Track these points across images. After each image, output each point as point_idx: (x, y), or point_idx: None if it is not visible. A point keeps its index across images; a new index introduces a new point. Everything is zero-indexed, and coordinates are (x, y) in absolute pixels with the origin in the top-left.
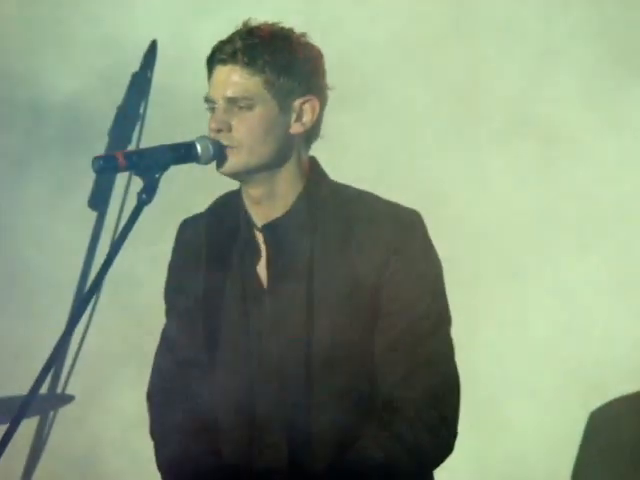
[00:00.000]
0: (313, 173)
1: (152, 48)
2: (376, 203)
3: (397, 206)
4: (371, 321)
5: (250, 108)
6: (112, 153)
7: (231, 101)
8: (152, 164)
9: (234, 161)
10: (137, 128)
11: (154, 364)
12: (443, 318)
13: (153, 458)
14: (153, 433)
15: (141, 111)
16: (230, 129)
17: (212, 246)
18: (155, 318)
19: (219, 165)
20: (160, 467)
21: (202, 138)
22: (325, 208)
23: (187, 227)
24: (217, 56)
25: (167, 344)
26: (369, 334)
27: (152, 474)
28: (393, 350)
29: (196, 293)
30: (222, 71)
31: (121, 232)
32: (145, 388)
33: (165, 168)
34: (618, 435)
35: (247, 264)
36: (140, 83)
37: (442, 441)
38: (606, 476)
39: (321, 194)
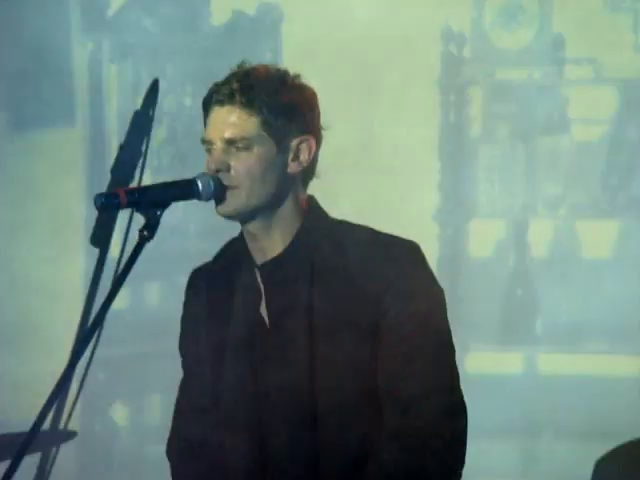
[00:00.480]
0: (311, 211)
1: (154, 87)
2: (372, 238)
3: (394, 238)
4: (372, 353)
5: (248, 148)
6: (114, 190)
7: (229, 142)
8: (154, 201)
9: (234, 202)
10: (139, 166)
11: (174, 414)
12: (445, 348)
13: None
14: (173, 476)
15: (143, 149)
16: (229, 169)
17: (216, 294)
18: (158, 354)
19: (218, 204)
20: None
21: (203, 175)
22: (322, 245)
23: (195, 277)
24: (214, 97)
25: (184, 395)
26: (371, 366)
27: None
28: (394, 380)
29: (204, 343)
30: (220, 112)
31: (123, 269)
32: (144, 423)
33: (167, 205)
34: None
35: (250, 306)
36: (142, 121)
37: (447, 467)
38: None
39: (318, 231)
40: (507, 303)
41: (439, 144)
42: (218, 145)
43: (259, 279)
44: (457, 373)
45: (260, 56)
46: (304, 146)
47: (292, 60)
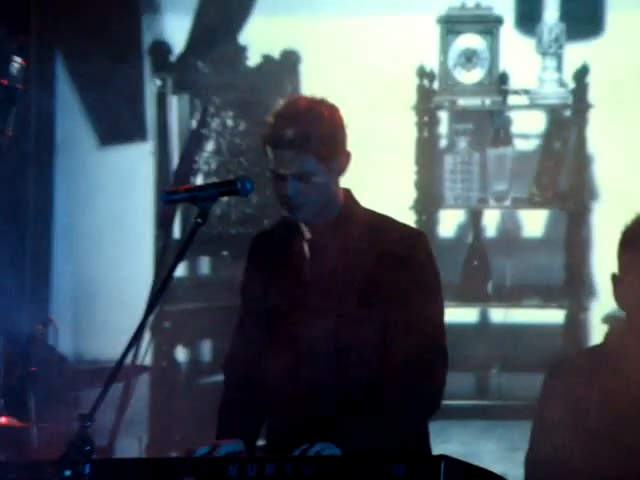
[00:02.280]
0: (347, 201)
1: (204, 112)
2: (391, 223)
3: (407, 226)
4: (387, 311)
5: (308, 180)
6: (176, 188)
7: (294, 176)
8: (204, 196)
9: (304, 213)
10: (194, 170)
11: (231, 341)
12: (442, 317)
13: None
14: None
15: (197, 158)
16: (299, 194)
17: (272, 253)
18: (209, 309)
19: (291, 213)
20: (220, 412)
21: (241, 177)
22: (355, 226)
23: (256, 239)
24: (277, 142)
25: (239, 326)
26: (382, 317)
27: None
28: (401, 333)
29: (259, 289)
30: (284, 154)
31: (182, 247)
32: (198, 360)
33: (214, 199)
34: None
35: (297, 266)
36: (196, 137)
37: (438, 387)
38: None
39: (352, 216)
40: (467, 270)
41: (415, 153)
42: (288, 178)
43: (306, 248)
44: (445, 335)
45: (283, 89)
46: (344, 158)
47: (306, 89)
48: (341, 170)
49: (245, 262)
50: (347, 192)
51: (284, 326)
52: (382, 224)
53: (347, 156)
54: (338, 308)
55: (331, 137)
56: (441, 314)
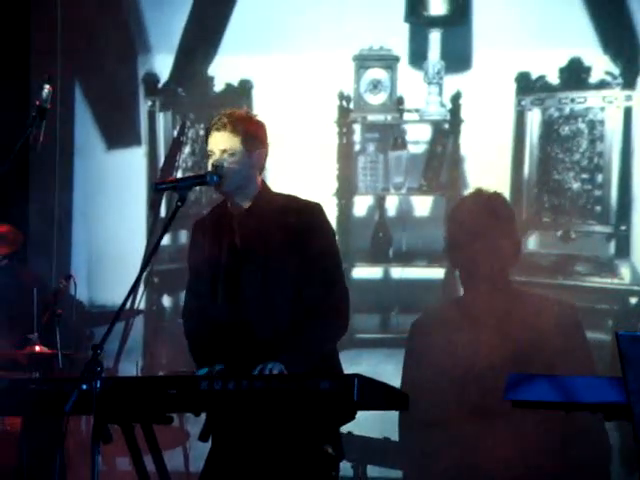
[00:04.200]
0: (263, 187)
1: (183, 125)
2: (296, 200)
3: (308, 200)
4: (298, 264)
5: (232, 156)
6: (162, 180)
7: (223, 151)
8: (183, 186)
9: (227, 184)
10: (175, 167)
11: (185, 297)
12: (339, 265)
13: None
14: (186, 332)
15: (177, 158)
16: (222, 167)
17: (210, 231)
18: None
19: (217, 188)
20: (187, 338)
21: (209, 172)
22: (269, 204)
23: (197, 222)
24: (214, 126)
25: (190, 286)
26: (298, 273)
27: None
28: (311, 282)
29: (203, 258)
30: (217, 135)
31: (167, 222)
32: (178, 306)
33: (190, 188)
34: None
35: (229, 238)
36: (176, 143)
37: (342, 325)
38: None
39: (267, 197)
40: (374, 240)
41: (337, 154)
42: (216, 153)
43: (235, 224)
44: (344, 277)
45: (240, 107)
46: (262, 154)
47: (258, 108)
48: (260, 163)
49: (189, 242)
50: (263, 181)
51: (225, 281)
52: (289, 201)
53: (264, 154)
54: (263, 265)
55: (255, 134)
56: (338, 261)
